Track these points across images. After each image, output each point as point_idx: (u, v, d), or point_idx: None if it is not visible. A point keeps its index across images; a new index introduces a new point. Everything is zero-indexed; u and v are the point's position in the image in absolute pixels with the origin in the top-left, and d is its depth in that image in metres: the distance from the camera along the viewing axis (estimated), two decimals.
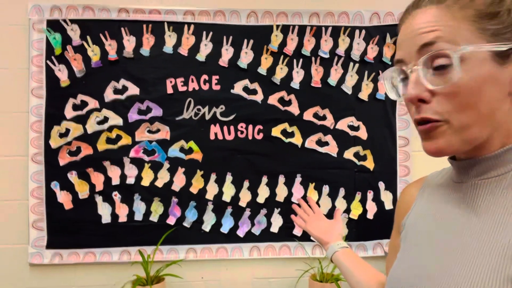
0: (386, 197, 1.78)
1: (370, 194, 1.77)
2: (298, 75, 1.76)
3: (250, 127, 1.74)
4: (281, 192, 1.75)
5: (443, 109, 0.50)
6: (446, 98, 0.50)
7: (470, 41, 0.49)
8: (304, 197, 1.75)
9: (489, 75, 0.49)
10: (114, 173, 1.69)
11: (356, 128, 1.78)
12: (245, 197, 1.73)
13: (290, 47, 1.75)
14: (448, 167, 0.70)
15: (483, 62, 0.49)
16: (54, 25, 1.66)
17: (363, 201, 1.77)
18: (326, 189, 1.76)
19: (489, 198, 0.52)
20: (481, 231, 0.51)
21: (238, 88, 1.74)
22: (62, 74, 1.67)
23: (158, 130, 1.71)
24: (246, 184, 1.73)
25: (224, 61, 1.73)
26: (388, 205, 1.78)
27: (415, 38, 0.52)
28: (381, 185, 1.78)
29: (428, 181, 0.68)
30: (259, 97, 1.75)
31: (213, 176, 1.72)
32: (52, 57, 1.66)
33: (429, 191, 0.65)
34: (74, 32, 1.68)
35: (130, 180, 1.69)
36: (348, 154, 1.77)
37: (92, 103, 1.69)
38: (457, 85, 0.49)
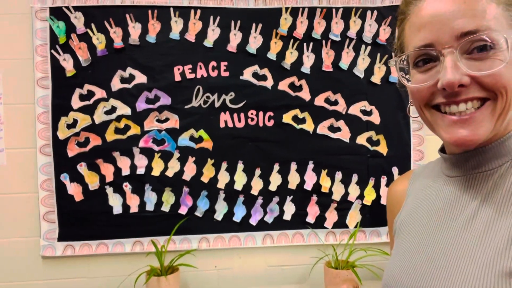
0: None
1: (383, 180, 1.74)
2: (308, 60, 1.71)
3: (261, 114, 1.70)
4: (294, 180, 1.72)
5: (483, 95, 0.49)
6: (487, 83, 0.48)
7: (504, 28, 0.48)
8: (317, 184, 1.72)
9: None
10: (123, 163, 1.66)
11: (368, 113, 1.74)
12: (257, 185, 1.71)
13: (300, 31, 1.70)
14: (433, 160, 0.68)
15: None
16: (57, 13, 1.61)
17: (376, 187, 1.74)
18: (339, 175, 1.73)
19: (483, 192, 0.51)
20: (475, 226, 0.50)
21: (247, 74, 1.70)
22: (67, 63, 1.63)
23: (167, 119, 1.67)
24: (257, 172, 1.71)
25: (232, 46, 1.69)
26: None
27: (452, 22, 0.49)
28: (395, 170, 1.75)
29: (415, 175, 0.67)
30: (269, 83, 1.71)
31: (224, 165, 1.70)
32: (57, 46, 1.62)
33: (419, 187, 0.64)
34: (78, 20, 1.63)
35: (140, 171, 1.67)
36: (361, 140, 1.74)
37: (99, 93, 1.65)
38: (500, 70, 0.48)
